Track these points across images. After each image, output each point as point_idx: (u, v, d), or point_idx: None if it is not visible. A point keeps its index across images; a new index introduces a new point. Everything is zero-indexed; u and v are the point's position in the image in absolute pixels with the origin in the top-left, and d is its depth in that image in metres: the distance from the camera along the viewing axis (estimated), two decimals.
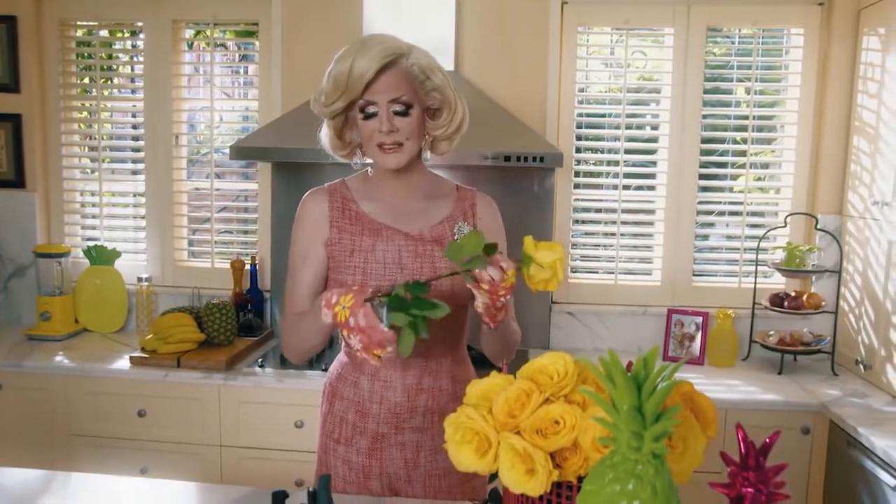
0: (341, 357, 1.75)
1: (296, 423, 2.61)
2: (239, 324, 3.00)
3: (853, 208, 2.88)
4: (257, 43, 3.18)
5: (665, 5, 3.00)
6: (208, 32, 3.22)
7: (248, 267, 3.13)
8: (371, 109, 1.55)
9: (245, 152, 2.77)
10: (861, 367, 2.74)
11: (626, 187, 3.11)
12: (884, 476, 2.13)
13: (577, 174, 3.12)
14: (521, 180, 3.04)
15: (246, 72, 3.41)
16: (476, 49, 3.03)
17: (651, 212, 3.12)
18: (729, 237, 3.15)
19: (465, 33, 3.02)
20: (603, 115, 3.12)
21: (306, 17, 3.09)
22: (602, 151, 3.13)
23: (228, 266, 3.15)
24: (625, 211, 3.11)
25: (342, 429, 1.69)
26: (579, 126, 3.11)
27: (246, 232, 3.33)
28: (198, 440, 2.68)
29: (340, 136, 1.66)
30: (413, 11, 2.91)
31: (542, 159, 2.58)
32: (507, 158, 2.59)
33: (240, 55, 3.41)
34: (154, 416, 2.69)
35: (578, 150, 3.11)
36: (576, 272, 3.17)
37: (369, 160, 1.66)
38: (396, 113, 1.55)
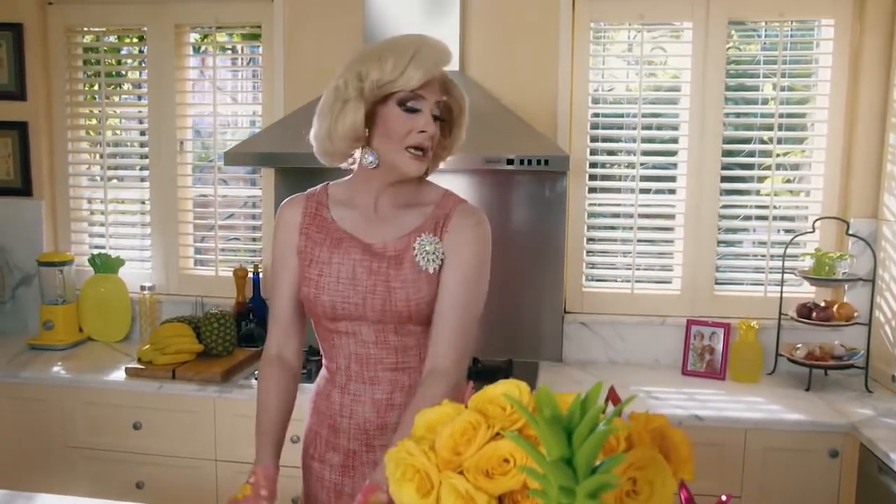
0: (323, 370, 1.67)
1: (291, 438, 2.50)
2: (240, 334, 2.92)
3: (889, 212, 2.67)
4: (261, 46, 3.11)
5: (682, 0, 2.83)
6: (213, 36, 3.15)
7: (251, 275, 3.04)
8: (416, 105, 1.46)
9: (240, 157, 2.69)
10: None
11: (644, 191, 2.95)
12: None
13: (592, 178, 2.97)
14: (532, 185, 2.90)
15: (254, 76, 3.33)
16: (482, 49, 2.90)
17: (671, 216, 2.95)
18: (754, 243, 2.96)
19: (471, 32, 2.89)
20: (619, 116, 2.96)
21: (309, 18, 3.00)
22: (618, 153, 2.97)
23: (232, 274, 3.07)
24: (642, 216, 2.94)
25: (316, 444, 1.63)
26: (594, 127, 2.95)
27: (254, 239, 3.25)
28: (193, 454, 2.61)
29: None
30: (417, 11, 2.80)
31: (546, 162, 2.44)
32: (510, 161, 2.45)
33: (245, 58, 3.34)
34: (149, 428, 2.62)
35: (594, 153, 2.96)
36: (591, 281, 3.01)
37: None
38: (435, 118, 1.48)
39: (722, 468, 2.36)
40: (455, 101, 1.55)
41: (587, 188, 2.95)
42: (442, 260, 1.50)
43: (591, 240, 2.99)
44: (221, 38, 3.22)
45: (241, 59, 3.37)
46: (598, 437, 0.71)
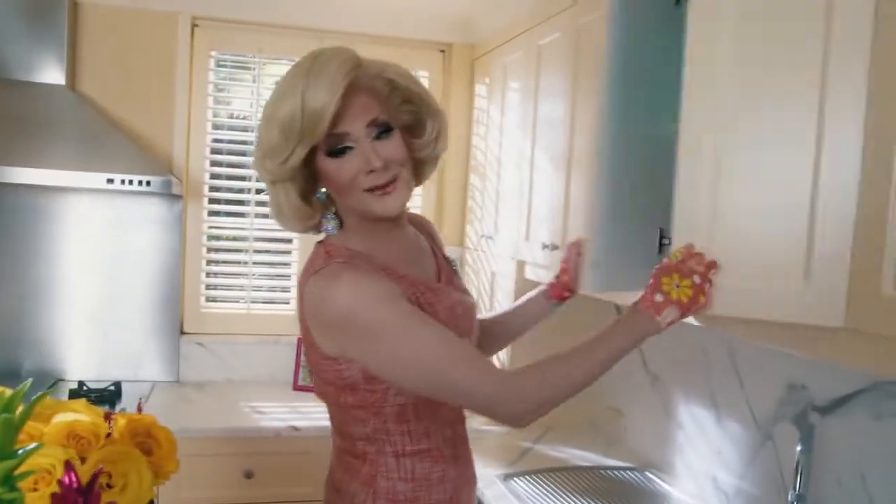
0: (404, 464, 1.33)
1: None
2: None
3: (470, 241, 3.12)
4: None
5: (300, 37, 3.04)
6: None
7: None
8: (345, 144, 1.19)
9: None
10: None
11: (263, 216, 3.10)
12: None
13: (214, 201, 3.05)
14: (150, 206, 2.88)
15: None
16: (97, 65, 2.83)
17: (287, 241, 3.13)
18: None
19: (84, 45, 2.81)
20: (242, 142, 3.08)
21: None
22: (237, 179, 3.09)
23: None
24: (259, 239, 3.09)
25: None
26: (216, 152, 3.04)
27: None
28: None
29: (308, 199, 1.27)
30: (14, 16, 2.65)
31: (148, 183, 2.47)
32: (111, 181, 2.44)
33: None
34: None
35: (216, 177, 3.04)
36: (209, 301, 3.07)
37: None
38: (377, 138, 1.21)
39: (313, 474, 2.54)
40: (404, 88, 1.27)
41: (207, 211, 3.02)
42: None
43: (211, 262, 3.06)
44: None
45: None
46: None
